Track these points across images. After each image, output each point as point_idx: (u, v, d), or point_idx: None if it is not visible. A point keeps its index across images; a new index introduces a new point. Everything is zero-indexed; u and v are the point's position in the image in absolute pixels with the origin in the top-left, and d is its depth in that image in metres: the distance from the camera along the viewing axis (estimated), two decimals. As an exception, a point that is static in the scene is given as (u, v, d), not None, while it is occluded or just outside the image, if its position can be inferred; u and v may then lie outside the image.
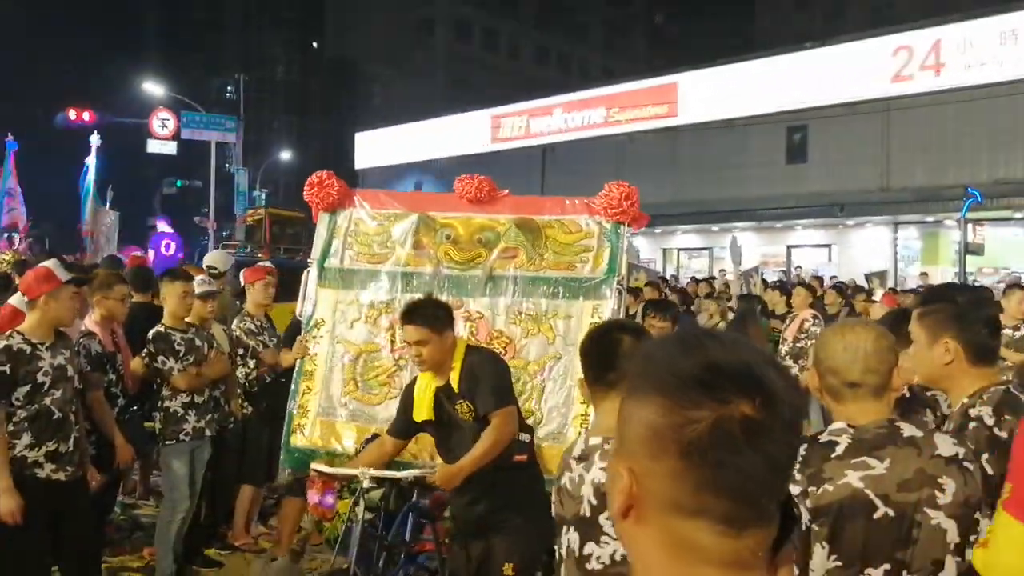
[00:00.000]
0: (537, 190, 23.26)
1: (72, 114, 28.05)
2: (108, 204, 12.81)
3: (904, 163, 21.68)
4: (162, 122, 27.47)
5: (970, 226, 19.20)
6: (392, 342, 5.16)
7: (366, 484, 4.05)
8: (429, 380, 4.10)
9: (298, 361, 5.36)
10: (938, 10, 21.88)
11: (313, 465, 4.23)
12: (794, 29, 34.84)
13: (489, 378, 4.05)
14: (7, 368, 4.11)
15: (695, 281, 17.00)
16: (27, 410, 4.19)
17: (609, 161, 26.61)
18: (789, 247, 24.93)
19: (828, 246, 24.41)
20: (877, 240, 22.88)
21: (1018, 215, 20.06)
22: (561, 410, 4.88)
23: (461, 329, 4.97)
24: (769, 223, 24.11)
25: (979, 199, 18.59)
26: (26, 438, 4.19)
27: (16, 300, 4.36)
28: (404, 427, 4.22)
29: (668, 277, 20.69)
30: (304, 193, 5.59)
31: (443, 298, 4.88)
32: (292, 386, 5.35)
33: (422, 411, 4.08)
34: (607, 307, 4.98)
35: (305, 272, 5.56)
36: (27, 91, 45.72)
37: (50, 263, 4.53)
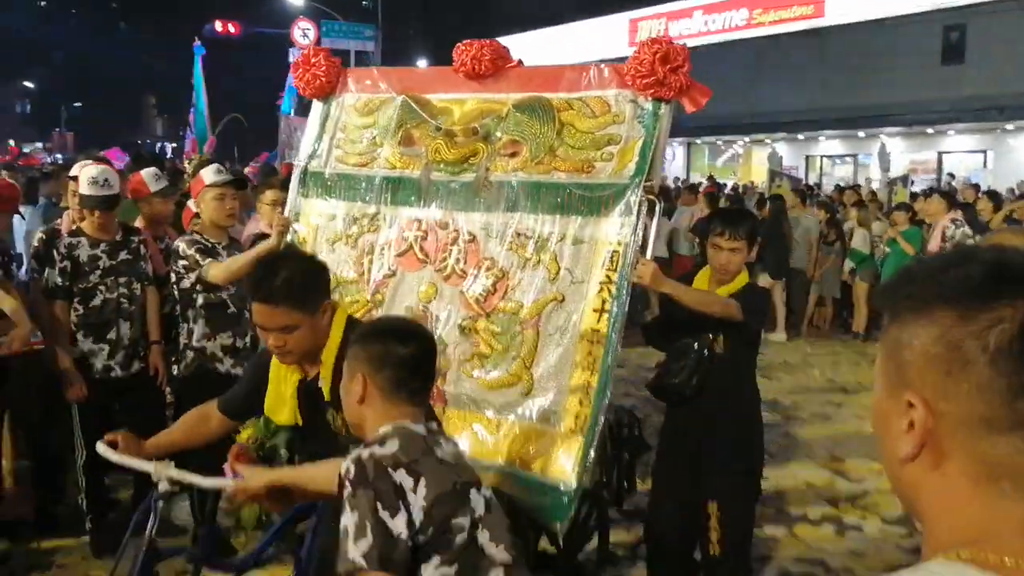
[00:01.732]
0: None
1: (219, 25, 29.39)
2: (291, 111, 13.36)
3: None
4: (303, 31, 28.10)
5: None
6: (369, 270, 3.96)
7: (162, 488, 2.57)
8: (287, 370, 2.71)
9: None
10: None
11: (98, 445, 2.71)
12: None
13: None
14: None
15: (839, 189, 16.58)
16: (204, 297, 4.25)
17: (748, 66, 25.94)
18: (940, 153, 23.77)
19: (983, 152, 23.17)
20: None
21: None
22: (556, 377, 3.40)
23: (448, 259, 3.73)
24: (919, 128, 22.77)
25: None
26: (200, 327, 4.26)
27: (192, 203, 4.61)
28: (243, 407, 2.85)
29: (811, 185, 20.29)
30: (292, 78, 4.47)
31: (431, 212, 3.78)
32: None
33: (282, 411, 2.73)
34: (625, 227, 3.39)
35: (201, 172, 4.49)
36: (176, 5, 47.57)
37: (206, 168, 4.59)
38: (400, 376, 2.04)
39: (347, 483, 1.87)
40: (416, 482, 1.84)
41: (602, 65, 3.67)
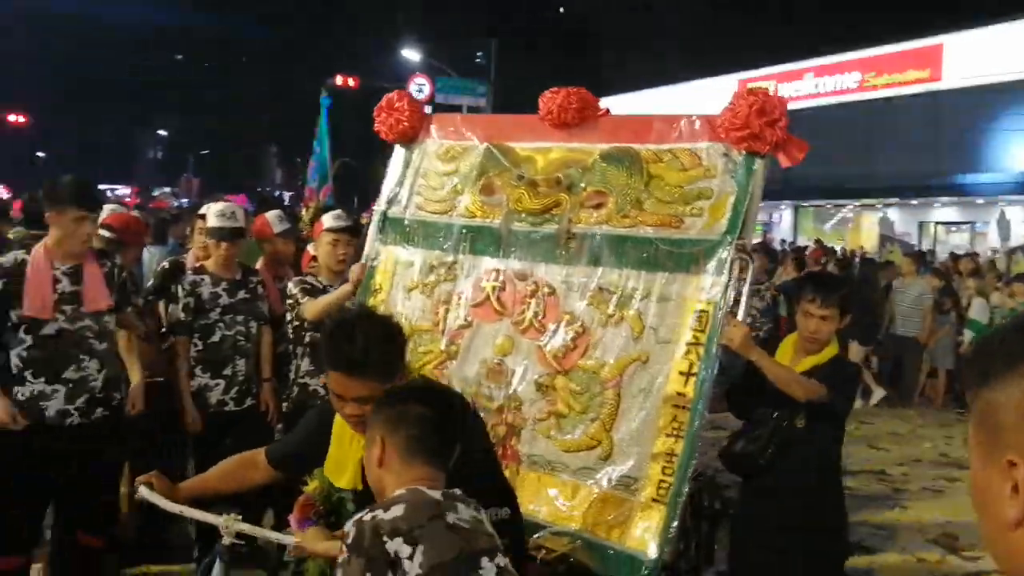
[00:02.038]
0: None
1: (339, 79, 30.58)
2: None
3: None
4: (419, 87, 28.80)
5: None
6: (443, 321, 3.81)
7: (227, 541, 2.47)
8: (352, 434, 2.50)
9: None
10: None
11: (141, 490, 2.59)
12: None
13: None
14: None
15: (954, 257, 15.91)
16: (311, 335, 4.30)
17: (860, 129, 25.27)
18: (1065, 223, 22.59)
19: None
20: None
21: None
22: (638, 442, 3.19)
23: (527, 311, 3.57)
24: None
25: None
26: (306, 363, 4.36)
27: (312, 246, 4.78)
28: (294, 462, 2.66)
29: (924, 252, 19.47)
30: (375, 123, 4.31)
31: (510, 263, 3.63)
32: None
33: (344, 475, 2.53)
34: (715, 287, 3.18)
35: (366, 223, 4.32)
36: (297, 61, 49.85)
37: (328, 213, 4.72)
38: (417, 436, 1.99)
39: (343, 546, 1.85)
40: (414, 550, 1.79)
41: (693, 117, 3.49)
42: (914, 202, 24.09)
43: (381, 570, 1.77)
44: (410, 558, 1.78)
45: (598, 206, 3.54)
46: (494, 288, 3.73)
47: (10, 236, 5.91)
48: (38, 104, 46.08)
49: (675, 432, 3.14)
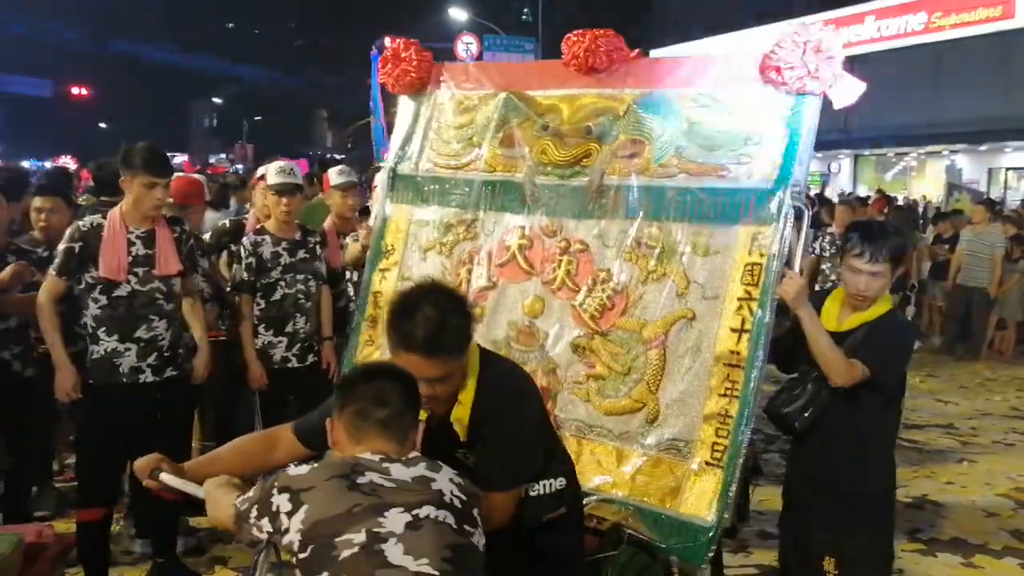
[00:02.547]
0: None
1: (388, 40, 30.39)
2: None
3: None
4: (466, 45, 28.52)
5: None
6: (464, 282, 3.60)
7: (273, 558, 2.14)
8: None
9: (357, 305, 4.01)
10: None
11: (162, 476, 2.33)
12: None
13: (504, 436, 2.34)
14: None
15: (1027, 204, 15.25)
16: None
17: (926, 72, 24.23)
18: None
19: None
20: None
21: None
22: (688, 403, 3.01)
23: (558, 270, 3.37)
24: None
25: None
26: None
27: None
28: (325, 438, 2.18)
29: (994, 199, 18.69)
30: (378, 75, 4.14)
31: (537, 219, 3.43)
32: (352, 334, 3.94)
33: None
34: (768, 238, 2.95)
35: (375, 177, 4.24)
36: (347, 23, 49.75)
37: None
38: (363, 408, 2.03)
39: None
40: (295, 508, 1.87)
41: (736, 57, 3.20)
42: (982, 148, 23.06)
43: (263, 512, 1.93)
44: (289, 515, 1.86)
45: (632, 155, 3.29)
46: (520, 246, 3.53)
47: (81, 202, 6.20)
48: (102, 76, 46.83)
49: (728, 392, 2.94)
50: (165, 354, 3.85)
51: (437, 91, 3.94)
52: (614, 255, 3.27)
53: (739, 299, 3.00)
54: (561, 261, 3.39)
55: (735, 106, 3.15)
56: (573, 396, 3.27)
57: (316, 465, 1.97)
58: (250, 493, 2.01)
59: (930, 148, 25.55)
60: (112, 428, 3.75)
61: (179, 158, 35.42)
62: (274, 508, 1.90)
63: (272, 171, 4.59)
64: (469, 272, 3.62)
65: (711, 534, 2.84)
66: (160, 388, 3.84)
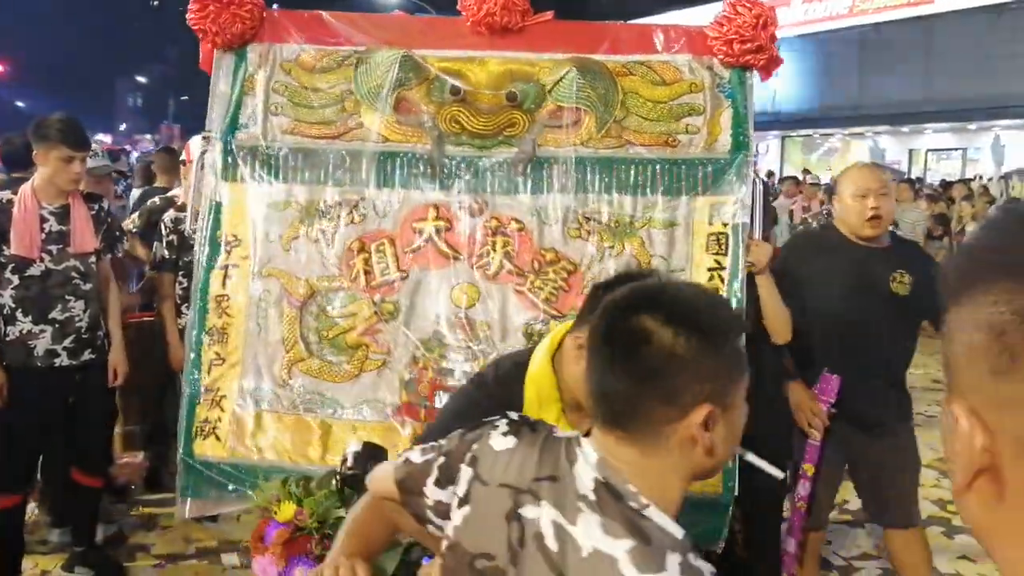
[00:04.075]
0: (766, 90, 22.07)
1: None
2: None
3: None
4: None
5: None
6: (366, 272, 3.11)
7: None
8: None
9: (191, 311, 3.25)
10: None
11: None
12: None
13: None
14: None
15: (945, 184, 15.68)
16: None
17: (850, 55, 24.71)
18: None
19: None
20: None
21: None
22: None
23: (493, 253, 3.10)
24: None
25: None
26: None
27: None
28: None
29: (915, 179, 19.20)
30: (189, 19, 3.22)
31: (454, 196, 3.09)
32: (188, 352, 3.19)
33: None
34: (735, 206, 2.96)
35: (197, 153, 3.38)
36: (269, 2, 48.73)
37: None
38: None
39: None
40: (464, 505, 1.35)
41: (671, 28, 3.17)
42: (904, 129, 23.65)
43: (450, 473, 1.37)
44: (459, 507, 1.34)
45: (572, 123, 3.14)
46: (436, 229, 3.15)
47: None
48: (20, 55, 45.05)
49: None
50: (83, 336, 3.68)
51: (275, 45, 3.28)
52: (558, 233, 3.10)
53: (709, 269, 3.00)
54: (495, 243, 3.11)
55: (672, 76, 3.12)
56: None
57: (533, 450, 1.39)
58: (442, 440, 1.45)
59: (854, 129, 26.12)
60: (27, 413, 3.58)
61: (102, 138, 34.33)
62: (459, 472, 1.38)
63: (194, 147, 4.22)
64: (365, 262, 3.14)
65: (727, 509, 2.87)
66: (77, 372, 3.68)
